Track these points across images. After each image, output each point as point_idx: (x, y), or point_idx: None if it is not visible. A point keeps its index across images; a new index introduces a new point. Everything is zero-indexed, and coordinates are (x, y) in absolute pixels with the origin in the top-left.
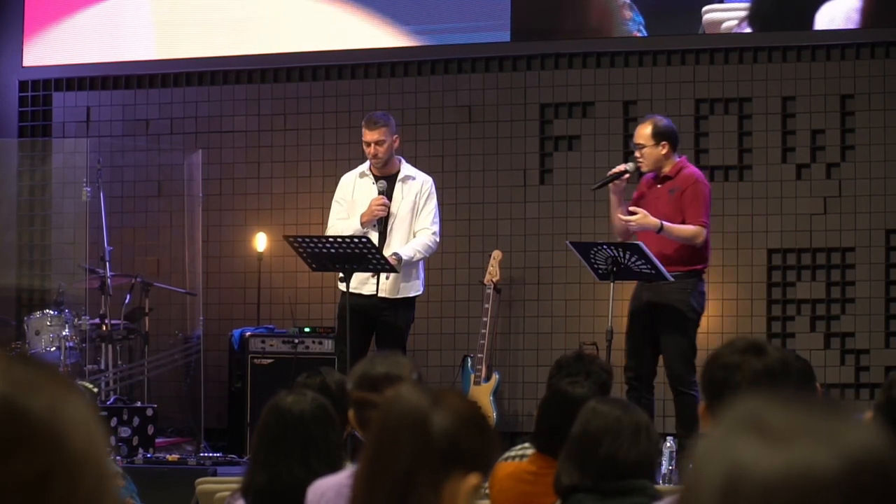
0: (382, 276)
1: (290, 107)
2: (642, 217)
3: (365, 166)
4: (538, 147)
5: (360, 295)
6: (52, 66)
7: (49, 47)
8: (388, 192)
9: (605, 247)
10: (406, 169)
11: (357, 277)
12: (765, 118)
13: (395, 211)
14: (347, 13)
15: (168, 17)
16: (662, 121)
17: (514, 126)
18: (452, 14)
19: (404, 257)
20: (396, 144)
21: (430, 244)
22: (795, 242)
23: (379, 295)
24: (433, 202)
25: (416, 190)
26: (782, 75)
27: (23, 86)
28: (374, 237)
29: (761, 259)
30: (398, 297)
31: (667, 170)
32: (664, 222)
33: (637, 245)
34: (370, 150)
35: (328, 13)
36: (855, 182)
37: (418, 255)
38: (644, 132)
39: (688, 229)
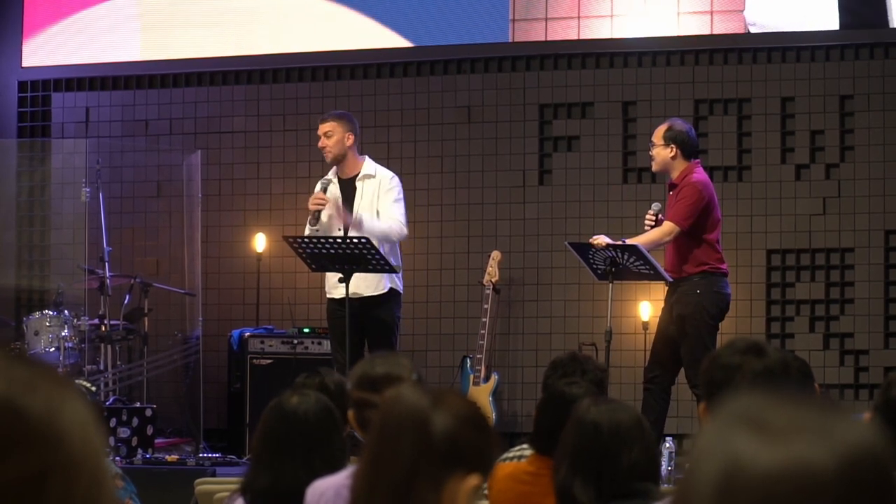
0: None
1: (289, 107)
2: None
3: (332, 172)
4: (537, 148)
5: (333, 299)
6: (52, 66)
7: (48, 48)
8: (348, 194)
9: (603, 247)
10: (367, 168)
11: (329, 281)
12: (764, 119)
13: (356, 211)
14: (347, 13)
15: (167, 18)
16: (680, 125)
17: (514, 127)
18: (452, 14)
19: (363, 220)
20: (349, 143)
21: (393, 226)
22: (795, 243)
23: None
24: (392, 195)
25: (374, 188)
26: (782, 76)
27: (22, 86)
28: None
29: (760, 260)
30: (363, 295)
31: (675, 176)
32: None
33: (635, 246)
34: (319, 144)
35: (328, 13)
36: (854, 183)
37: (377, 228)
38: (659, 131)
39: (653, 233)
